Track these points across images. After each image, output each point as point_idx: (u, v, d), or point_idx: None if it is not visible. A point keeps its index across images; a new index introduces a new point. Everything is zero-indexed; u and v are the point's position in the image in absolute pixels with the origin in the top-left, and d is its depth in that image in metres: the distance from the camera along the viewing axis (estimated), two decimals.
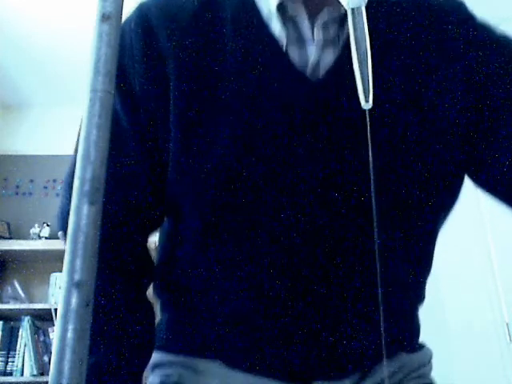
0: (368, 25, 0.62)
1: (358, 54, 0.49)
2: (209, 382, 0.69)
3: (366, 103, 0.50)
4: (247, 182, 0.63)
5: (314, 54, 0.65)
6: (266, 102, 0.64)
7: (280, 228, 0.64)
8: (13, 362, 2.93)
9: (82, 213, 0.22)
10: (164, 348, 0.74)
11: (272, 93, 0.64)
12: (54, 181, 3.50)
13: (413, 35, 0.67)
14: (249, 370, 0.68)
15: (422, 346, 0.78)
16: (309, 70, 0.65)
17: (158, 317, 0.79)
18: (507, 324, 2.79)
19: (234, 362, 0.69)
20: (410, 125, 0.64)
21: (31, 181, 3.52)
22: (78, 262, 0.22)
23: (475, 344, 2.72)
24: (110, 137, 0.24)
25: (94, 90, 0.24)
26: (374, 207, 0.54)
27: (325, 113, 0.64)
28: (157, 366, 0.75)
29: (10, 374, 2.90)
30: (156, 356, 0.74)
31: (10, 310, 3.00)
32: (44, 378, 2.88)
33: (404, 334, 0.74)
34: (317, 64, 0.65)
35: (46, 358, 2.94)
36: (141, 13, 0.69)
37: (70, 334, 0.21)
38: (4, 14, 2.97)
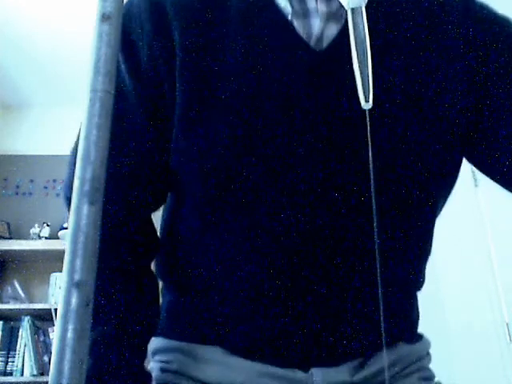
0: (368, 24, 0.62)
1: (357, 54, 0.49)
2: (209, 369, 0.69)
3: (366, 103, 0.49)
4: (247, 182, 0.63)
5: (317, 26, 0.65)
6: (271, 72, 0.64)
7: (280, 228, 0.64)
8: (13, 362, 2.93)
9: (82, 213, 0.22)
10: (165, 334, 0.75)
11: (277, 62, 0.64)
12: (54, 181, 3.50)
13: (413, 35, 0.67)
14: (248, 356, 0.68)
15: (420, 337, 0.78)
16: (313, 41, 0.66)
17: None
18: (507, 324, 2.79)
19: (234, 348, 0.69)
20: (410, 124, 0.64)
21: (31, 181, 3.52)
22: (78, 262, 0.22)
23: (475, 344, 2.72)
24: (109, 136, 0.24)
25: (94, 90, 0.24)
26: (373, 200, 0.54)
27: (328, 84, 0.64)
28: (157, 351, 0.75)
29: (10, 374, 2.91)
30: (156, 341, 0.75)
31: (10, 310, 3.00)
32: (44, 378, 2.88)
33: (403, 324, 0.74)
34: (320, 35, 0.66)
35: (45, 358, 2.95)
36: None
37: (70, 334, 0.21)
38: (4, 15, 2.97)
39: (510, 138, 0.65)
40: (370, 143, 0.54)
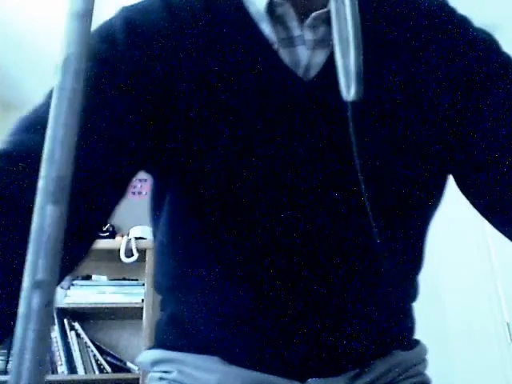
0: (368, 25, 0.62)
1: (340, 45, 0.49)
2: (207, 378, 0.70)
3: (348, 95, 0.49)
4: (247, 183, 0.63)
5: (304, 54, 0.64)
6: (260, 103, 0.64)
7: (280, 228, 0.64)
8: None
9: (45, 213, 0.22)
10: (164, 345, 0.75)
11: (265, 93, 0.64)
12: None
13: (413, 35, 0.67)
14: (247, 365, 0.68)
15: (416, 343, 0.78)
16: (300, 71, 0.64)
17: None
18: (507, 324, 2.78)
19: (233, 358, 0.69)
20: (410, 125, 0.64)
21: None
22: (41, 262, 0.21)
23: (475, 344, 2.72)
24: (77, 136, 0.23)
25: (62, 89, 0.24)
26: (366, 204, 0.54)
27: (319, 113, 0.64)
28: (156, 362, 0.76)
29: None
30: (155, 353, 0.76)
31: None
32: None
33: (399, 332, 0.75)
34: (308, 64, 0.65)
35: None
36: (126, 19, 0.67)
37: (30, 336, 0.21)
38: (4, 13, 2.97)
39: (509, 137, 0.65)
40: (353, 138, 0.54)
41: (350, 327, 0.67)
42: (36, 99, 0.61)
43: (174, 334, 0.75)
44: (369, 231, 0.65)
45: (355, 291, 0.67)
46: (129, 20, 0.66)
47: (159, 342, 0.76)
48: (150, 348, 0.79)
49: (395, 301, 0.73)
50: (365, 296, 0.68)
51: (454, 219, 2.30)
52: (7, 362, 2.94)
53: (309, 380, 0.67)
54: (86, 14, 0.25)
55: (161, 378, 0.74)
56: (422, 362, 0.78)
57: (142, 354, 0.80)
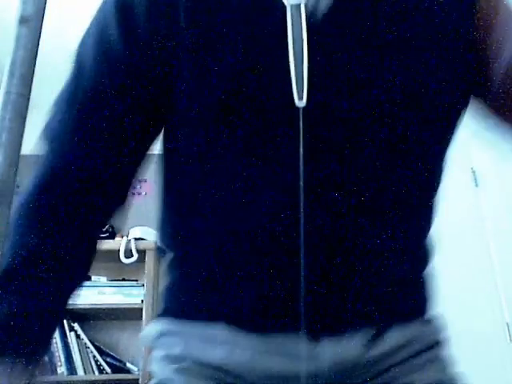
0: (369, 22, 0.62)
1: (294, 53, 0.48)
2: (214, 349, 0.68)
3: (300, 101, 0.49)
4: (247, 183, 0.63)
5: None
6: (255, 102, 0.63)
7: (280, 228, 0.64)
8: None
9: None
10: (169, 314, 0.74)
11: (260, 96, 0.63)
12: None
13: (413, 35, 0.67)
14: (255, 329, 0.67)
15: (435, 318, 0.77)
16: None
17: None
18: (507, 324, 2.77)
19: (241, 322, 0.68)
20: (411, 124, 0.65)
21: None
22: None
23: (475, 344, 2.71)
24: (20, 140, 0.23)
25: (7, 92, 0.24)
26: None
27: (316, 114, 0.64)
28: (162, 335, 0.74)
29: None
30: (161, 324, 0.74)
31: None
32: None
33: (414, 300, 0.74)
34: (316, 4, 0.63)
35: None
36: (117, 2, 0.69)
37: None
38: (4, 14, 2.98)
39: None
40: (301, 136, 0.54)
41: (357, 292, 0.66)
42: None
43: (179, 301, 0.74)
44: (369, 229, 0.65)
45: (355, 288, 0.66)
46: (120, 3, 0.67)
47: (165, 311, 0.75)
48: (155, 320, 0.77)
49: (402, 272, 0.72)
50: (374, 266, 0.67)
51: (454, 219, 2.29)
52: None
53: (320, 342, 0.65)
54: (35, 18, 0.25)
55: (163, 358, 0.72)
56: (442, 338, 0.77)
57: (147, 328, 0.78)
